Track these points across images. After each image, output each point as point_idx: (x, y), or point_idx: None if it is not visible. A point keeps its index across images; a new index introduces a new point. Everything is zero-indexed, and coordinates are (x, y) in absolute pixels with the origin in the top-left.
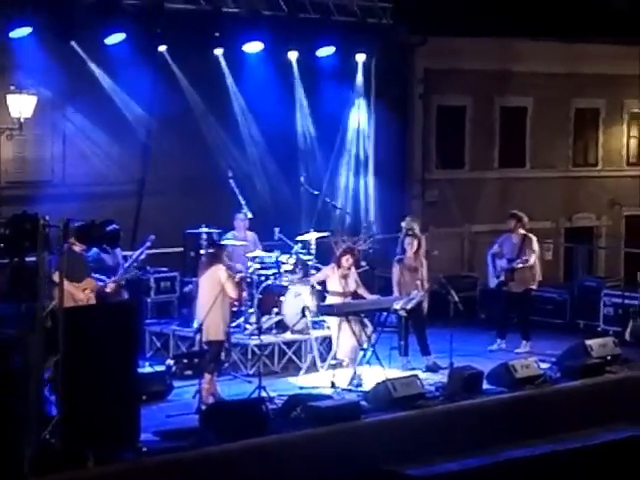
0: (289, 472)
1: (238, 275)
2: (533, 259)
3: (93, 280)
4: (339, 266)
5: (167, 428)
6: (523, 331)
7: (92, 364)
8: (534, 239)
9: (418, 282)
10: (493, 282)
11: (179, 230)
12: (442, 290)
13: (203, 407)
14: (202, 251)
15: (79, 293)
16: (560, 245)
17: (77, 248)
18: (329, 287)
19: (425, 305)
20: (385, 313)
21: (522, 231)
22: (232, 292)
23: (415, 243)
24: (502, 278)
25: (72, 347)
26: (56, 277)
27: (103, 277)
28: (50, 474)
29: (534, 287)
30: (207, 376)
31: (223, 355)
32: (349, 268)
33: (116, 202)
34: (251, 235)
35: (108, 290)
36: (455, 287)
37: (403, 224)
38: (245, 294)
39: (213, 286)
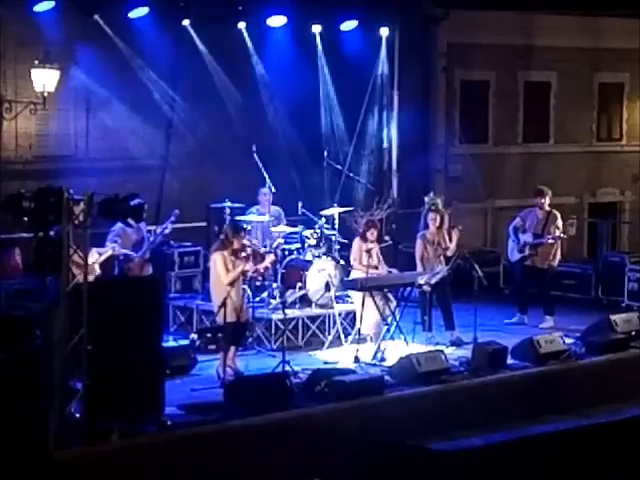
0: (313, 446)
1: (262, 250)
2: (559, 234)
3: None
4: (365, 240)
5: (191, 402)
6: (546, 306)
7: (117, 338)
8: (559, 215)
9: (442, 257)
10: (515, 256)
11: (203, 205)
12: (466, 265)
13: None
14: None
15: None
16: (584, 220)
17: None
18: (355, 256)
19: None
20: (409, 288)
21: (547, 207)
22: (225, 278)
23: (438, 218)
24: (526, 252)
25: (97, 321)
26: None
27: (128, 252)
28: (74, 448)
29: (555, 264)
30: (221, 353)
31: (247, 331)
32: (373, 242)
33: (139, 177)
34: (275, 210)
35: (133, 264)
36: (479, 262)
37: (426, 199)
38: (269, 268)
39: (213, 271)
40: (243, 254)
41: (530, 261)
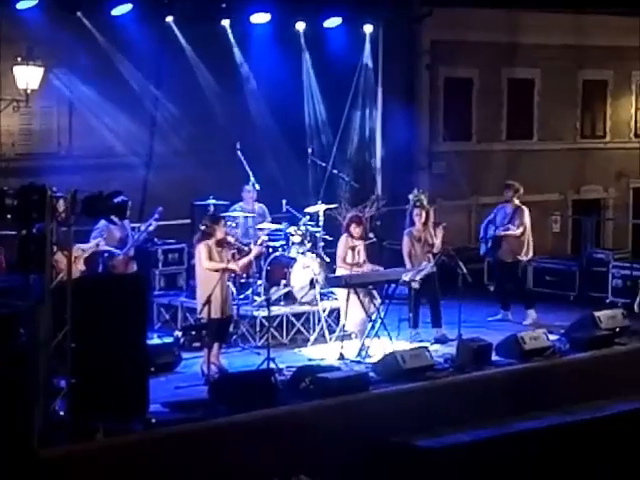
0: (298, 443)
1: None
2: (520, 230)
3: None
4: (351, 236)
5: (176, 399)
6: (525, 301)
7: (101, 336)
8: (526, 211)
9: (428, 253)
10: (482, 249)
11: (187, 202)
12: (450, 262)
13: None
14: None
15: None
16: (568, 217)
17: None
18: (339, 254)
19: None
20: (393, 285)
21: (517, 202)
22: (206, 264)
23: (423, 214)
24: (489, 245)
25: (81, 319)
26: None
27: (112, 249)
28: (59, 446)
29: (523, 258)
30: (205, 351)
31: (231, 327)
32: (359, 238)
33: (123, 174)
34: (259, 207)
35: (117, 262)
36: (463, 259)
37: (411, 196)
38: (259, 256)
39: (198, 265)
40: (228, 247)
41: (497, 255)
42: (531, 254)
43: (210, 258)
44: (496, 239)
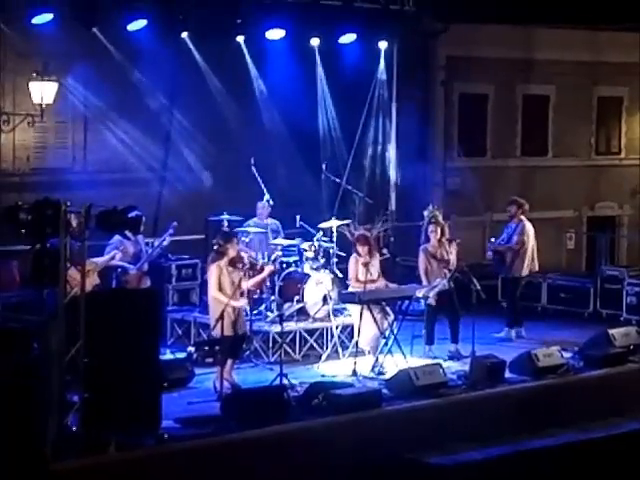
0: (310, 460)
1: (260, 262)
2: (517, 246)
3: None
4: (359, 254)
5: (188, 415)
6: (509, 317)
7: (114, 350)
8: (527, 226)
9: (445, 270)
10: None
11: (201, 217)
12: (464, 279)
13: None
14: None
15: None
16: (582, 234)
17: None
18: (351, 275)
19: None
20: (407, 301)
21: (522, 217)
22: (212, 292)
23: (439, 230)
24: (490, 260)
25: (94, 333)
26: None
27: (125, 264)
28: (72, 460)
29: (520, 274)
30: (218, 367)
31: (244, 343)
32: (368, 255)
33: (137, 189)
34: (273, 222)
35: (130, 277)
36: (476, 275)
37: (426, 212)
38: (268, 277)
39: (210, 285)
40: (240, 265)
41: (499, 271)
42: (531, 270)
43: (220, 285)
44: (498, 256)
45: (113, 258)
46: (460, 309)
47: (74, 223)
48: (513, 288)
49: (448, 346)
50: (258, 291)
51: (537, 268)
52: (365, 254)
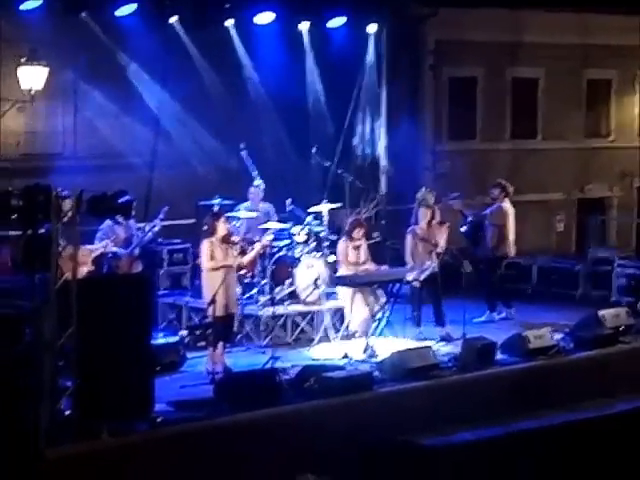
0: (303, 443)
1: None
2: (489, 217)
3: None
4: (351, 239)
5: (181, 398)
6: (487, 299)
7: (106, 335)
8: (504, 209)
9: (433, 253)
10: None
11: (192, 202)
12: (455, 262)
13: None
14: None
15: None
16: (572, 216)
17: None
18: (340, 258)
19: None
20: (398, 284)
21: (504, 200)
22: (206, 264)
23: (429, 214)
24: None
25: (86, 318)
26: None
27: (116, 249)
28: (65, 445)
29: (498, 255)
30: (210, 350)
31: (236, 326)
32: (360, 239)
33: (128, 174)
34: (265, 206)
35: (122, 262)
36: (466, 259)
37: (418, 195)
38: (265, 249)
39: (202, 259)
40: (233, 242)
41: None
42: (507, 254)
43: (212, 257)
44: (471, 230)
45: (105, 247)
46: (441, 292)
47: (65, 208)
48: (488, 269)
49: (439, 329)
50: (249, 275)
51: (513, 253)
52: (360, 237)
